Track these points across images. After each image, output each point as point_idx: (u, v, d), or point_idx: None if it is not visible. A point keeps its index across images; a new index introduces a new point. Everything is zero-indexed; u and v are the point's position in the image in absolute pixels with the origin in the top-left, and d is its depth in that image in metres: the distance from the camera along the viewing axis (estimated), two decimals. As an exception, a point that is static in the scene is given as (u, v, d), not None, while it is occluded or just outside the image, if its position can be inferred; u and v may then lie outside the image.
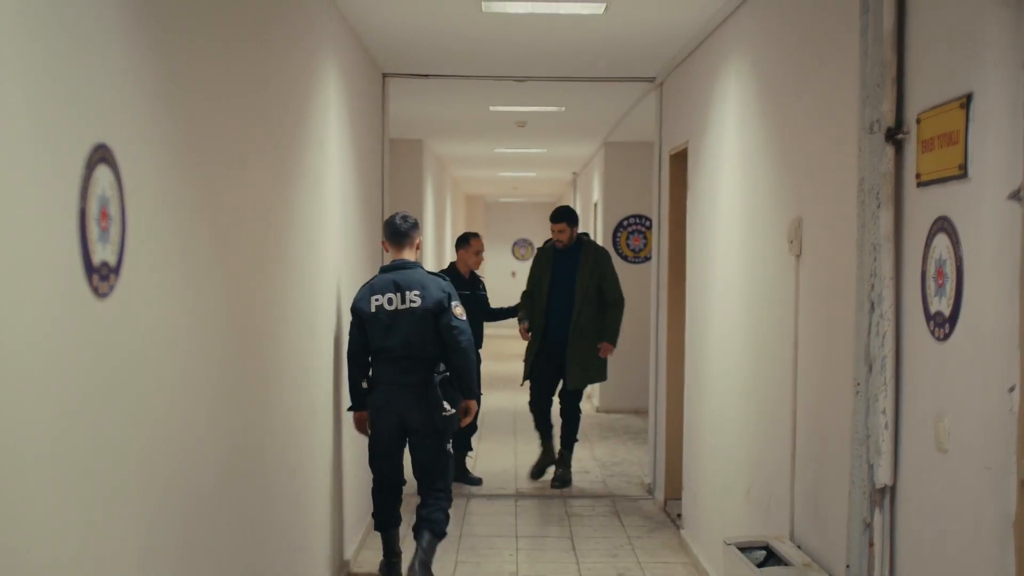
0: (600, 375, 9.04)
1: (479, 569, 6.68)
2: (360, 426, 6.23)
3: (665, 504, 8.20)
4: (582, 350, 8.77)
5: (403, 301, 5.99)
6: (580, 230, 9.76)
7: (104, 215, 2.59)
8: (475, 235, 9.31)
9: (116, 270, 2.67)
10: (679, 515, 7.64)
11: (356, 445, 7.01)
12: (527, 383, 9.23)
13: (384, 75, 8.47)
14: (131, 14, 2.83)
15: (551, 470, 9.32)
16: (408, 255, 6.15)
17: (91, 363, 2.57)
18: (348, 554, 6.59)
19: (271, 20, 4.50)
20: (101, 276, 2.59)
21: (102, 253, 2.59)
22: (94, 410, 2.59)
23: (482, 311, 9.16)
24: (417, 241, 6.22)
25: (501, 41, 7.31)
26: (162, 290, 3.07)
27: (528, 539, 7.35)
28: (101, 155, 2.58)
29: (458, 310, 6.02)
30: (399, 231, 6.17)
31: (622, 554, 7.05)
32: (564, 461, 9.10)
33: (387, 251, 6.36)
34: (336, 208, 6.19)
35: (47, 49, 2.36)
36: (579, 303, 8.74)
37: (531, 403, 9.20)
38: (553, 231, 8.87)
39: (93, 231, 2.53)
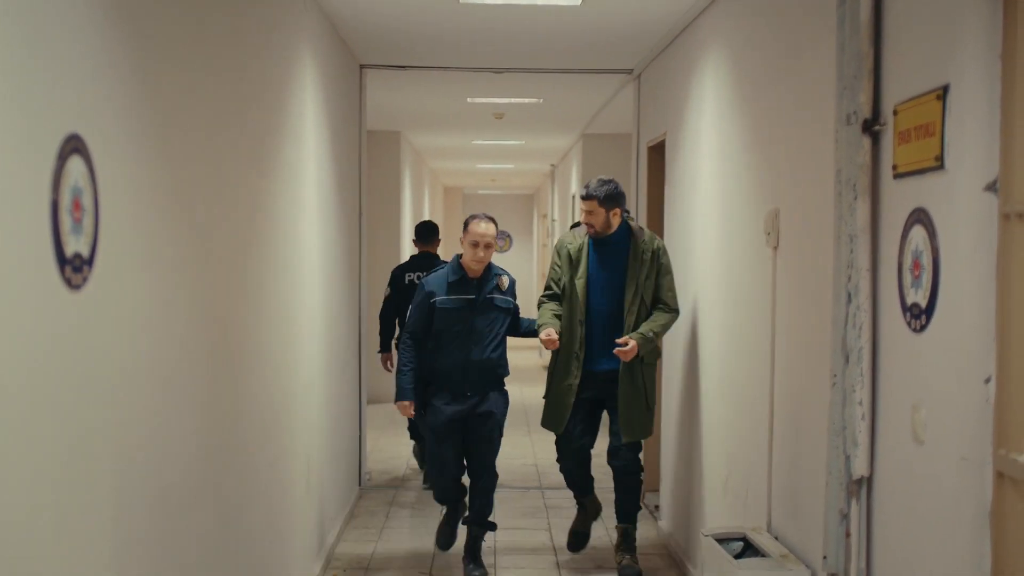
0: (650, 421, 6.25)
1: (456, 560, 6.67)
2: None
3: (643, 496, 8.20)
4: (640, 386, 6.10)
5: None
6: (611, 210, 6.18)
7: (77, 206, 2.57)
8: (475, 218, 6.21)
9: (89, 262, 2.65)
10: (657, 507, 7.65)
11: (334, 434, 6.99)
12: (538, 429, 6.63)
13: (361, 66, 8.44)
14: (104, 4, 2.80)
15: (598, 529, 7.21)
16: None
17: (64, 355, 2.55)
18: (329, 542, 6.58)
19: (246, 11, 4.47)
20: (74, 268, 2.56)
21: (75, 245, 2.56)
22: (67, 402, 2.57)
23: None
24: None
25: (479, 32, 7.29)
26: (136, 282, 3.04)
27: (506, 531, 7.34)
28: (74, 146, 2.55)
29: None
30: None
31: (600, 545, 7.05)
32: (629, 541, 6.43)
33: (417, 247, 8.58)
34: (313, 200, 6.16)
35: (18, 38, 2.33)
36: (631, 316, 6.07)
37: (563, 455, 6.39)
38: (583, 212, 6.16)
39: (66, 222, 2.51)
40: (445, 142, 15.11)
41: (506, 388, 6.29)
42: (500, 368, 6.21)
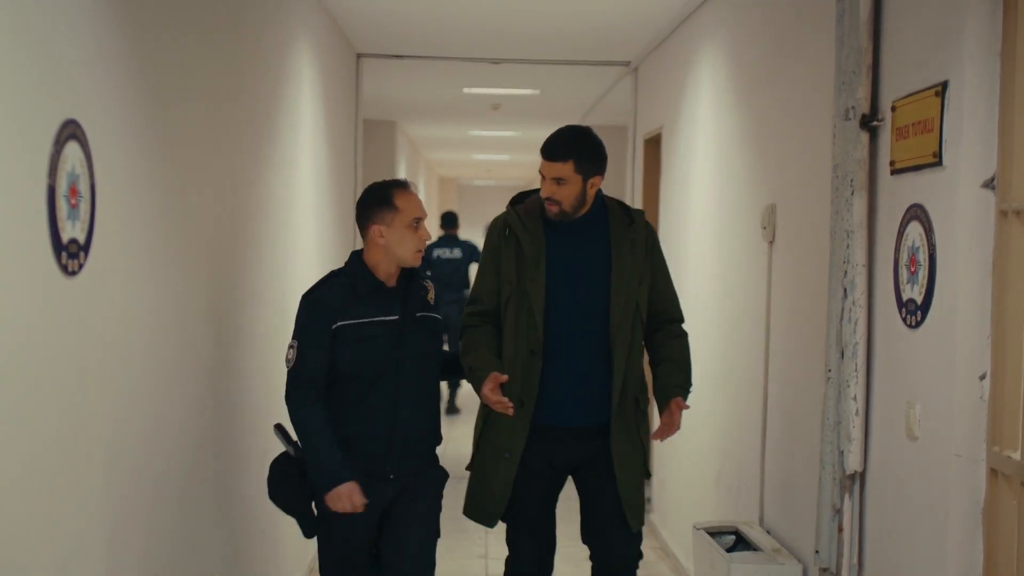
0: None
1: (448, 552, 6.66)
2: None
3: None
4: (638, 442, 4.02)
5: None
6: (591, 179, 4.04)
7: (73, 192, 2.56)
8: (399, 186, 3.86)
9: (85, 248, 2.64)
10: (648, 499, 7.66)
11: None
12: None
13: (358, 55, 8.42)
14: (102, -11, 2.79)
15: None
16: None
17: (59, 341, 2.55)
18: (314, 551, 6.56)
19: (245, -2, 4.45)
20: (70, 254, 2.55)
21: (71, 231, 2.56)
22: (62, 388, 2.57)
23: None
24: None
25: (476, 22, 7.28)
26: (132, 268, 3.04)
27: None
28: (71, 131, 2.55)
29: None
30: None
31: None
32: None
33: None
34: (309, 189, 6.15)
35: (16, 24, 2.32)
36: (622, 342, 3.94)
37: (513, 570, 4.18)
38: (544, 179, 3.97)
39: (62, 208, 2.50)
40: (441, 133, 15.09)
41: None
42: (436, 432, 3.94)
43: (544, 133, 12.70)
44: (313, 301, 3.76)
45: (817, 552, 3.80)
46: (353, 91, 8.36)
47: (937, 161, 3.14)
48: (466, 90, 10.43)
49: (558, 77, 9.42)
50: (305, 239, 6.04)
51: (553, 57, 8.44)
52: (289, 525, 5.05)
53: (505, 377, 3.84)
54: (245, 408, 4.50)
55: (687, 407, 3.95)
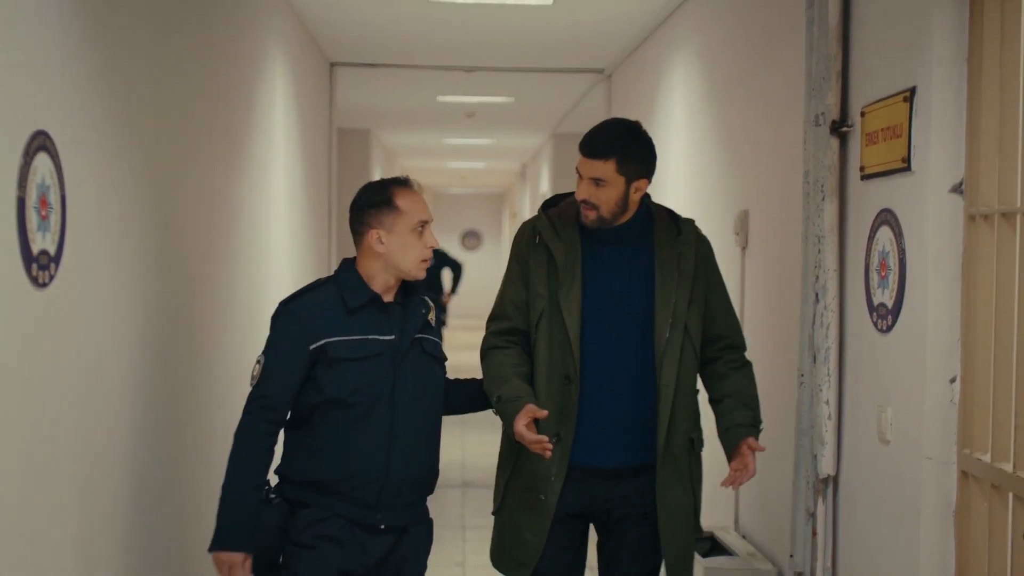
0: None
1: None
2: None
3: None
4: (691, 490, 3.46)
5: None
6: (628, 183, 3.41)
7: (44, 203, 2.56)
8: (399, 184, 3.34)
9: (56, 259, 2.63)
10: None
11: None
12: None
13: (332, 64, 8.42)
14: (72, 0, 2.79)
15: None
16: None
17: (30, 352, 2.53)
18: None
19: (215, 8, 4.45)
20: (40, 265, 2.55)
21: (41, 242, 2.55)
22: (33, 399, 2.56)
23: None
24: None
25: (449, 31, 7.29)
26: (104, 279, 3.03)
27: (476, 529, 7.34)
28: (40, 143, 2.54)
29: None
30: None
31: None
32: None
33: None
34: (283, 197, 6.14)
35: (-16, 34, 2.31)
36: (670, 370, 3.37)
37: None
38: (580, 179, 3.40)
39: (32, 220, 2.49)
40: (416, 141, 15.10)
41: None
42: (435, 476, 3.34)
43: (519, 141, 12.55)
44: (291, 312, 3.16)
45: (791, 556, 3.81)
46: (327, 99, 8.36)
47: (906, 166, 3.16)
48: (440, 98, 10.44)
49: (532, 85, 9.44)
50: (279, 247, 6.03)
51: (527, 65, 8.46)
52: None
53: (544, 412, 3.22)
54: (220, 418, 4.48)
55: (761, 449, 3.32)
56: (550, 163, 13.62)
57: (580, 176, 3.37)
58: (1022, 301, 2.80)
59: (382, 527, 3.17)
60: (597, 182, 3.32)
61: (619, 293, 3.38)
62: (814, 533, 3.69)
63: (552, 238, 3.40)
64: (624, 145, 3.34)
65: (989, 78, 2.93)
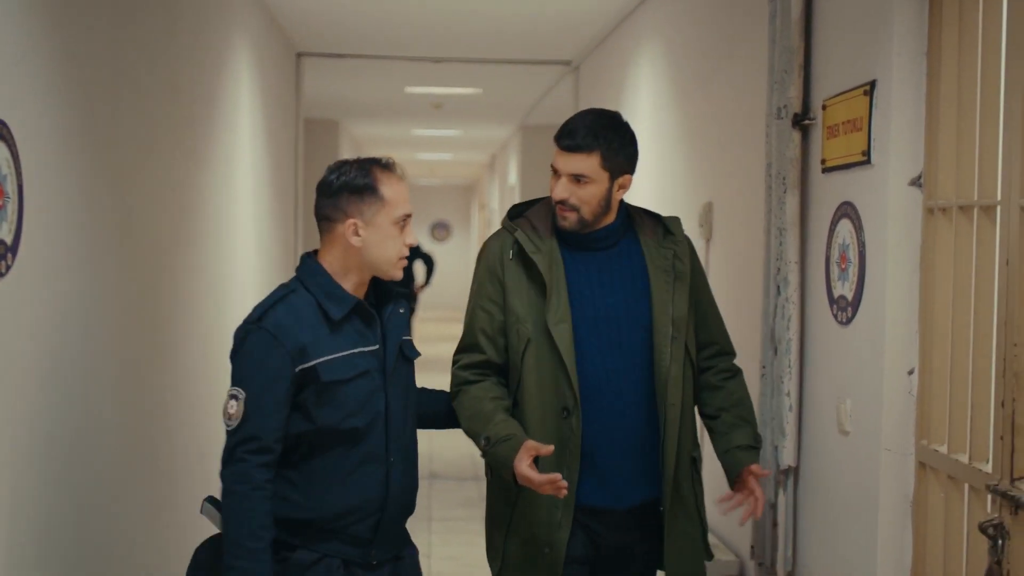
0: None
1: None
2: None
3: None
4: (697, 518, 3.12)
5: None
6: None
7: (0, 193, 2.53)
8: (380, 165, 2.87)
9: (13, 249, 2.61)
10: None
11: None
12: None
13: (298, 54, 8.38)
14: (29, -13, 2.76)
15: None
16: None
17: (-14, 344, 2.52)
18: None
19: (179, -4, 4.42)
20: (-3, 255, 2.53)
21: (-2, 232, 2.53)
22: (-11, 392, 2.54)
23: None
24: None
25: (417, 21, 7.27)
26: (62, 270, 3.01)
27: (441, 521, 7.35)
28: (-3, 131, 2.52)
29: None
30: None
31: None
32: None
33: None
34: (248, 188, 6.12)
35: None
36: (675, 387, 3.02)
37: None
38: (557, 176, 3.04)
39: (-12, 209, 2.47)
40: (384, 132, 15.06)
41: None
42: (416, 495, 2.95)
43: (487, 132, 12.46)
44: (266, 331, 2.67)
45: (753, 547, 3.84)
46: (293, 90, 8.32)
47: (866, 159, 3.18)
48: (408, 89, 10.42)
49: (500, 76, 9.43)
50: (244, 238, 6.01)
51: (495, 56, 8.45)
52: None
53: (550, 448, 2.83)
54: (181, 411, 4.47)
55: (766, 474, 3.14)
56: (518, 155, 13.62)
57: (557, 173, 3.00)
58: (978, 294, 2.82)
59: (374, 562, 2.79)
60: (578, 179, 2.97)
61: (611, 307, 3.01)
62: (775, 524, 3.72)
63: (535, 252, 2.99)
64: (609, 136, 3.01)
65: (948, 73, 2.95)
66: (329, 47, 8.25)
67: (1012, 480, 2.60)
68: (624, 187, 3.05)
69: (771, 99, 3.73)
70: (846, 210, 3.32)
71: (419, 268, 13.86)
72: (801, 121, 3.63)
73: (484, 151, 17.76)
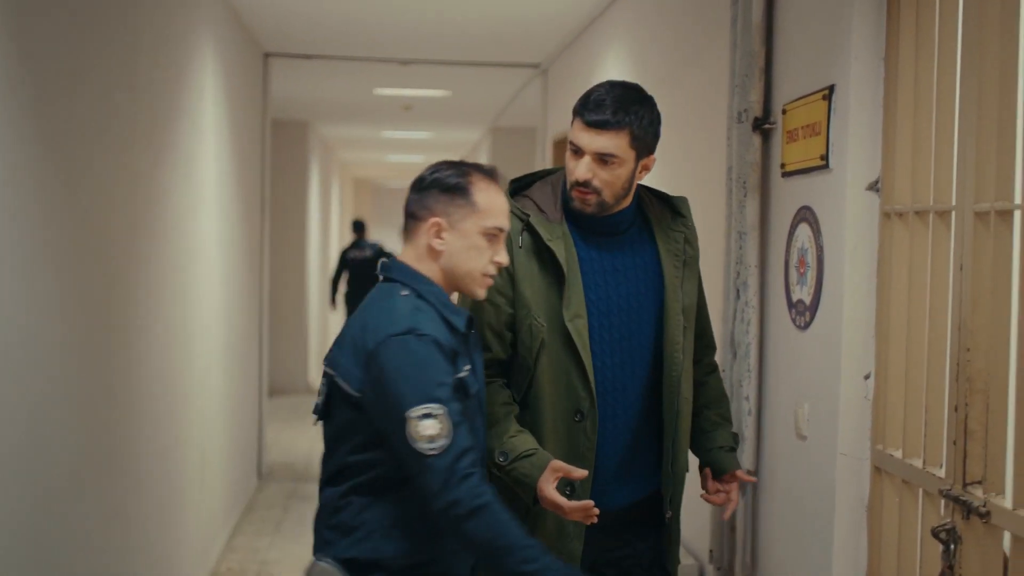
0: None
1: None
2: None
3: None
4: (677, 507, 3.02)
5: None
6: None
7: (-52, 189, 2.51)
8: (478, 173, 2.59)
9: (-39, 247, 2.58)
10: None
11: (232, 426, 6.91)
12: None
13: (266, 55, 8.34)
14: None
15: None
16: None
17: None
18: (225, 534, 6.50)
19: (141, -6, 4.39)
20: (-56, 253, 2.49)
21: (-55, 229, 2.50)
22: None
23: None
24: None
25: (386, 22, 7.25)
26: (16, 272, 2.97)
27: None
28: (-55, 127, 2.48)
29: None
30: None
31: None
32: None
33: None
34: (212, 189, 6.07)
35: None
36: (682, 385, 2.89)
37: None
38: (577, 155, 2.80)
39: (-65, 206, 2.44)
40: (354, 133, 15.01)
41: None
42: None
43: (457, 135, 12.48)
44: (429, 339, 2.40)
45: (711, 551, 3.84)
46: (260, 90, 8.28)
47: (824, 164, 3.18)
48: (377, 91, 10.38)
49: (469, 79, 9.42)
50: (208, 239, 5.97)
51: (463, 58, 8.44)
52: (192, 525, 4.96)
53: (584, 473, 2.66)
54: (141, 412, 4.43)
55: (754, 480, 3.20)
56: (489, 157, 13.60)
57: (577, 152, 2.77)
58: (933, 299, 2.83)
59: None
60: (604, 159, 2.74)
61: (623, 296, 2.82)
62: (733, 528, 3.71)
63: (552, 240, 2.76)
64: (640, 112, 2.77)
65: (905, 78, 2.96)
66: (297, 48, 8.22)
67: (964, 485, 2.61)
68: (647, 168, 2.84)
69: (732, 103, 3.73)
70: (805, 214, 3.32)
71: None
72: (762, 125, 3.63)
73: (454, 153, 17.74)
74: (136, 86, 4.31)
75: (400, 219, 2.61)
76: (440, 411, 2.34)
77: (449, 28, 7.34)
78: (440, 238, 2.50)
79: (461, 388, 2.42)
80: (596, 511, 2.60)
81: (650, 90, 5.36)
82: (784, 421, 3.47)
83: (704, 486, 3.03)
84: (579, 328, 2.74)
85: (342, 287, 13.72)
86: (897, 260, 2.99)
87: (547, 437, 2.75)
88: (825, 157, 3.17)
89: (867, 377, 3.08)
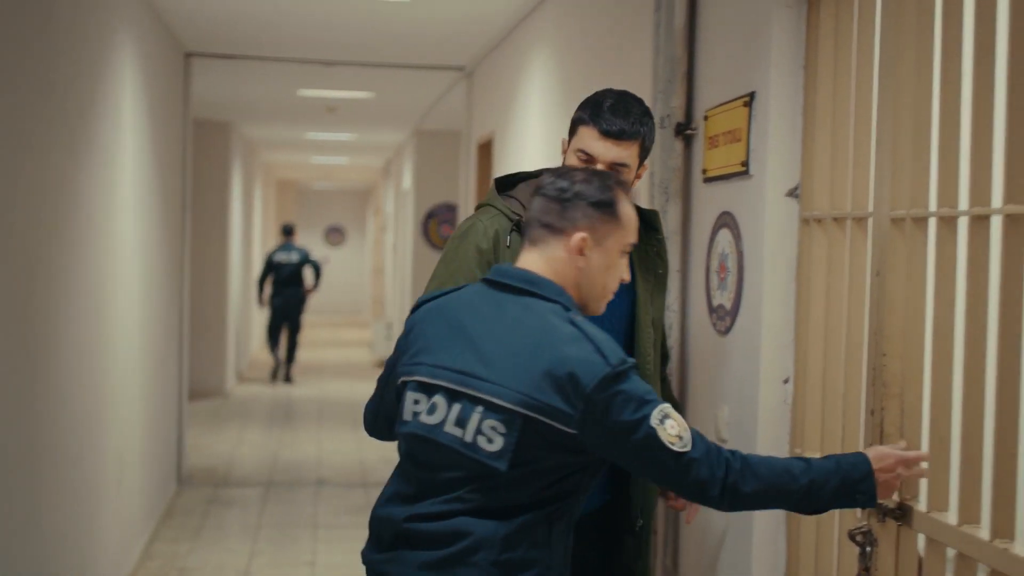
0: None
1: (274, 559, 6.57)
2: None
3: None
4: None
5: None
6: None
7: None
8: (614, 182, 2.50)
9: None
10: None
11: (151, 430, 6.81)
12: None
13: (187, 54, 8.24)
14: None
15: None
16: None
17: None
18: (143, 540, 6.40)
19: (57, -9, 4.31)
20: None
21: None
22: None
23: None
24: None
25: (309, 23, 7.20)
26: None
27: (328, 528, 7.27)
28: None
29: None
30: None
31: None
32: None
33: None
34: (129, 190, 5.98)
35: None
36: (654, 384, 2.99)
37: None
38: (591, 164, 2.78)
39: None
40: (278, 135, 14.90)
41: None
42: None
43: (381, 137, 12.44)
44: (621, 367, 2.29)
45: (633, 554, 3.84)
46: (181, 90, 8.18)
47: (745, 170, 3.21)
48: (301, 92, 10.31)
49: (393, 81, 9.39)
50: (125, 240, 5.87)
51: (387, 60, 8.41)
52: (109, 530, 4.87)
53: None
54: (54, 417, 4.34)
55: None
56: (413, 160, 13.56)
57: (589, 159, 2.76)
58: (851, 304, 2.86)
59: None
60: (616, 168, 2.75)
61: (611, 308, 2.62)
62: (654, 532, 3.73)
63: None
64: (649, 123, 2.82)
65: (824, 86, 2.99)
66: (219, 48, 8.13)
67: (880, 488, 2.64)
68: (640, 177, 2.86)
69: (655, 108, 3.75)
70: (726, 220, 3.35)
71: (307, 272, 14.33)
72: (684, 131, 3.66)
73: (379, 156, 17.68)
74: (54, 86, 4.23)
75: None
76: (667, 408, 2.31)
77: (373, 30, 7.31)
78: (582, 254, 2.39)
79: None
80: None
81: (574, 94, 5.37)
82: (705, 425, 3.49)
83: (664, 492, 3.08)
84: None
85: (267, 288, 14.12)
86: (815, 266, 3.02)
87: None
88: (746, 163, 3.20)
89: (786, 381, 3.11)
